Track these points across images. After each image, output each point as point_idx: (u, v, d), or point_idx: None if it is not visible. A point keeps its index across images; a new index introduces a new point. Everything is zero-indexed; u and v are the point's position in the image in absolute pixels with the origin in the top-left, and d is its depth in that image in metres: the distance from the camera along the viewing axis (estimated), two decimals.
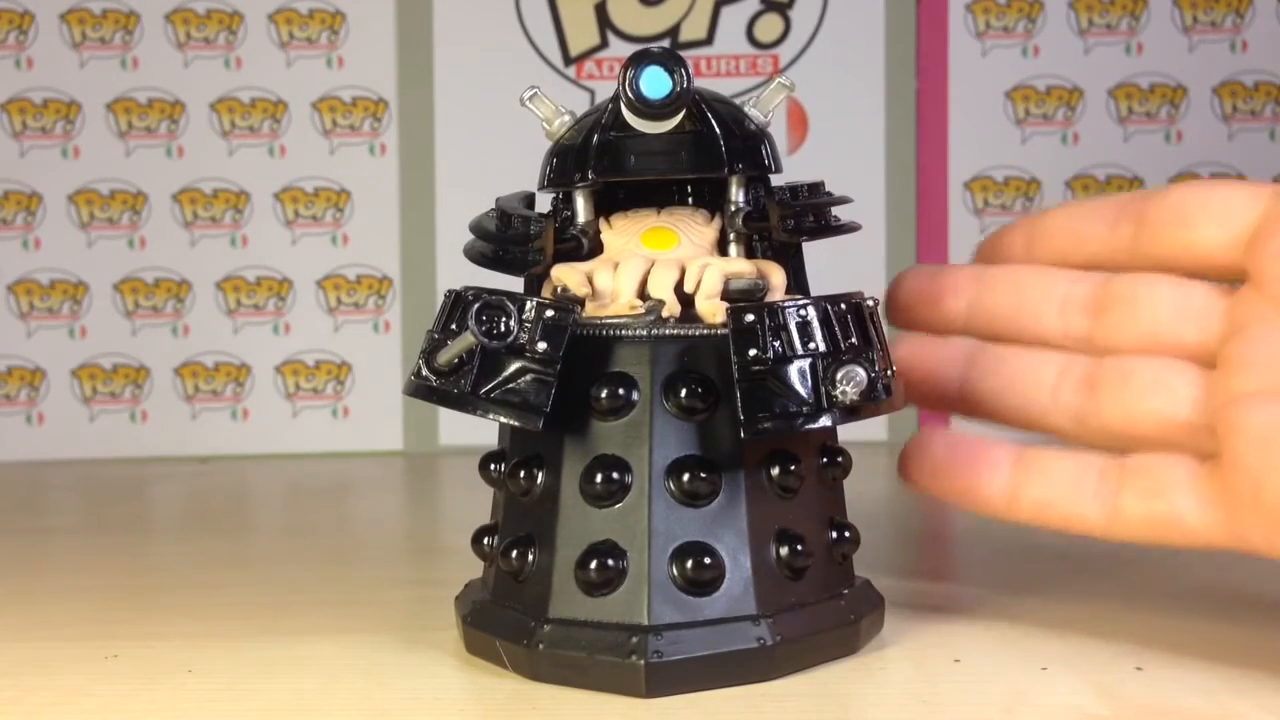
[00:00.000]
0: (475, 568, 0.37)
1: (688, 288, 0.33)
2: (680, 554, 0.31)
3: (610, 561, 0.31)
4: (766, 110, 0.35)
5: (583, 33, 0.75)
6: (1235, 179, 0.34)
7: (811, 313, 0.32)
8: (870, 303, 0.34)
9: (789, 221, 0.34)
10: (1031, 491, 0.34)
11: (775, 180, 0.36)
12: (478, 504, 0.38)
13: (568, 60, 0.75)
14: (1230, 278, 0.33)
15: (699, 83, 0.34)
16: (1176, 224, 0.34)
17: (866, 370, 0.31)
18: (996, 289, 0.37)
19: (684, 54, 0.34)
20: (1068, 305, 0.36)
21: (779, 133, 0.73)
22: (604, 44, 0.75)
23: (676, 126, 0.34)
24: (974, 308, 0.37)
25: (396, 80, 0.74)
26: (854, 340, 0.32)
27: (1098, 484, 0.33)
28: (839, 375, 0.31)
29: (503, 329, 0.31)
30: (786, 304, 0.32)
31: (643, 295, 0.33)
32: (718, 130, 0.34)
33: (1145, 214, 0.35)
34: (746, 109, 0.35)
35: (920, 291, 0.38)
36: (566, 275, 0.34)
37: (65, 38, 0.73)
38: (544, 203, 0.37)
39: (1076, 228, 0.36)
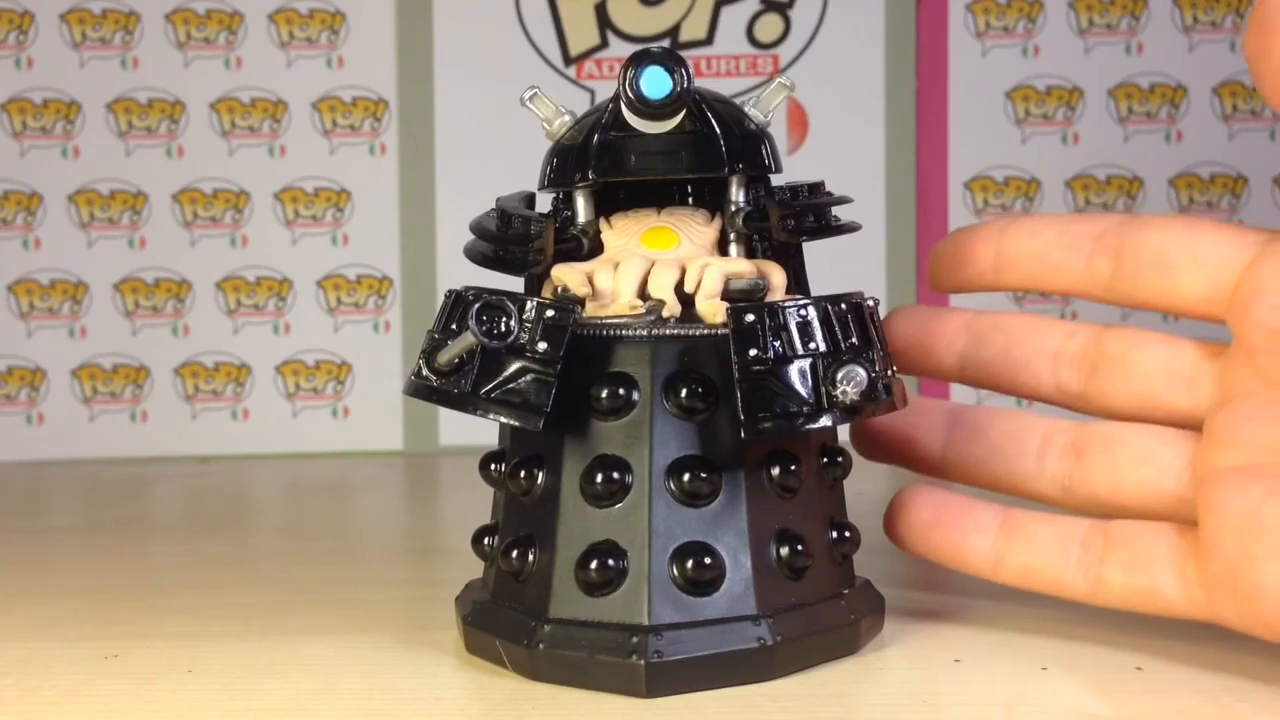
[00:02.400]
0: (475, 568, 0.37)
1: (688, 288, 0.33)
2: (680, 554, 0.31)
3: (610, 561, 0.31)
4: (766, 110, 0.35)
5: (583, 33, 0.75)
6: (1215, 223, 0.33)
7: (812, 313, 0.32)
8: (870, 303, 0.34)
9: (789, 221, 0.34)
10: (1016, 558, 0.34)
11: (775, 180, 0.36)
12: (478, 504, 0.38)
13: (568, 60, 0.75)
14: (1212, 321, 0.33)
15: (699, 83, 0.34)
16: (1157, 270, 0.33)
17: (867, 370, 0.31)
18: (989, 341, 0.37)
19: (684, 54, 0.34)
20: (1060, 362, 0.35)
21: (779, 133, 0.73)
22: (604, 44, 0.75)
23: (676, 126, 0.34)
24: (966, 359, 0.37)
25: (396, 80, 0.74)
26: (854, 340, 0.32)
27: (1081, 554, 0.33)
28: (839, 375, 0.31)
29: (503, 329, 0.31)
30: (787, 304, 0.32)
31: (643, 295, 0.33)
32: (718, 130, 0.34)
33: (1123, 253, 0.34)
34: (746, 109, 0.35)
35: (913, 339, 0.37)
36: (567, 275, 0.34)
37: (65, 38, 0.73)
38: (544, 203, 0.37)
39: (1049, 256, 0.35)
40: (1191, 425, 0.33)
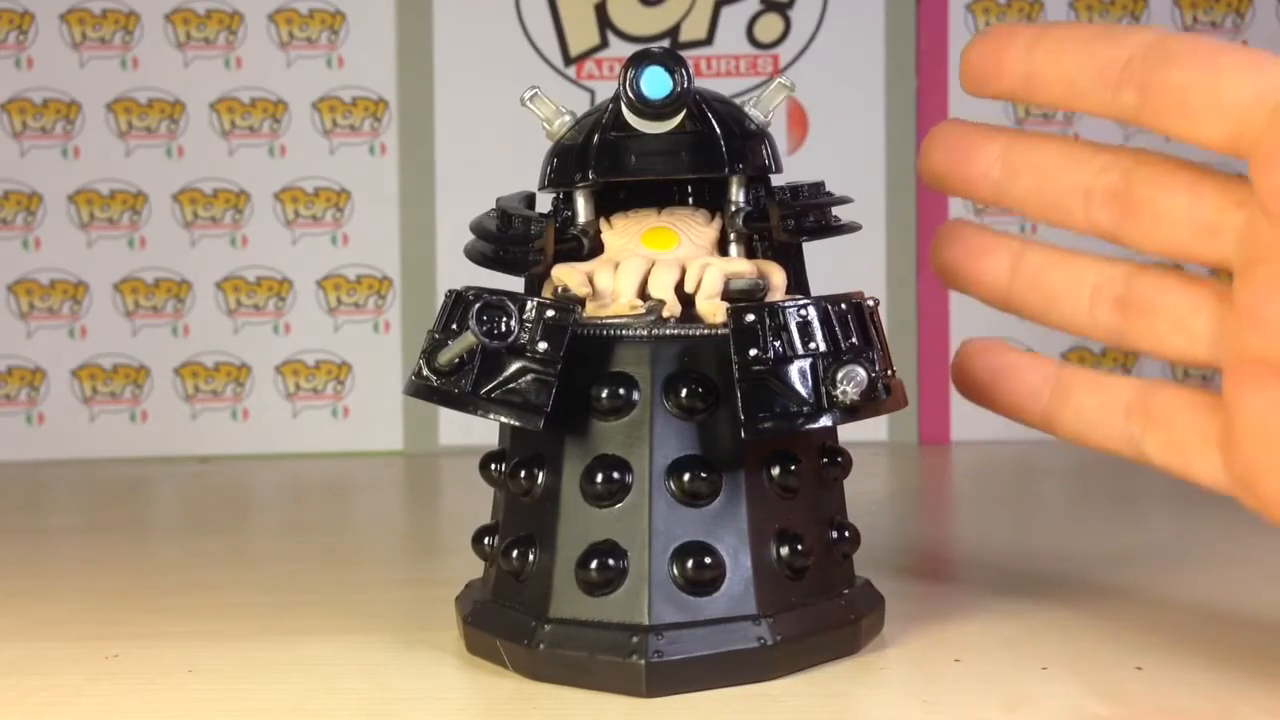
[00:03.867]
0: (475, 568, 0.37)
1: (688, 288, 0.33)
2: (681, 554, 0.31)
3: (611, 561, 0.31)
4: (766, 110, 0.35)
5: (583, 33, 0.75)
6: (1238, 57, 0.32)
7: (812, 313, 0.32)
8: (870, 302, 0.34)
9: (789, 221, 0.34)
10: (1065, 422, 0.35)
11: (775, 180, 0.36)
12: (478, 504, 0.38)
13: (568, 60, 0.75)
14: (1239, 158, 0.32)
15: (699, 83, 0.34)
16: (1178, 113, 0.33)
17: (867, 370, 0.31)
18: (1022, 177, 0.36)
19: (684, 54, 0.34)
20: (1092, 200, 0.35)
21: (779, 133, 0.73)
22: (604, 44, 0.75)
23: (677, 126, 0.34)
24: (1001, 190, 0.37)
25: (396, 80, 0.74)
26: (854, 340, 0.32)
27: (1123, 424, 0.34)
28: (839, 375, 0.31)
29: (503, 329, 0.31)
30: (787, 304, 0.32)
31: (643, 295, 0.33)
32: (718, 130, 0.34)
33: (1148, 89, 0.33)
34: (746, 109, 0.35)
35: (950, 164, 0.37)
36: (567, 275, 0.34)
37: (65, 38, 0.73)
38: (544, 203, 0.37)
39: (1076, 83, 0.35)
40: (1223, 269, 0.33)
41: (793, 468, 0.32)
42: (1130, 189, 0.34)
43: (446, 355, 0.32)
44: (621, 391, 0.32)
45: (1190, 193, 0.33)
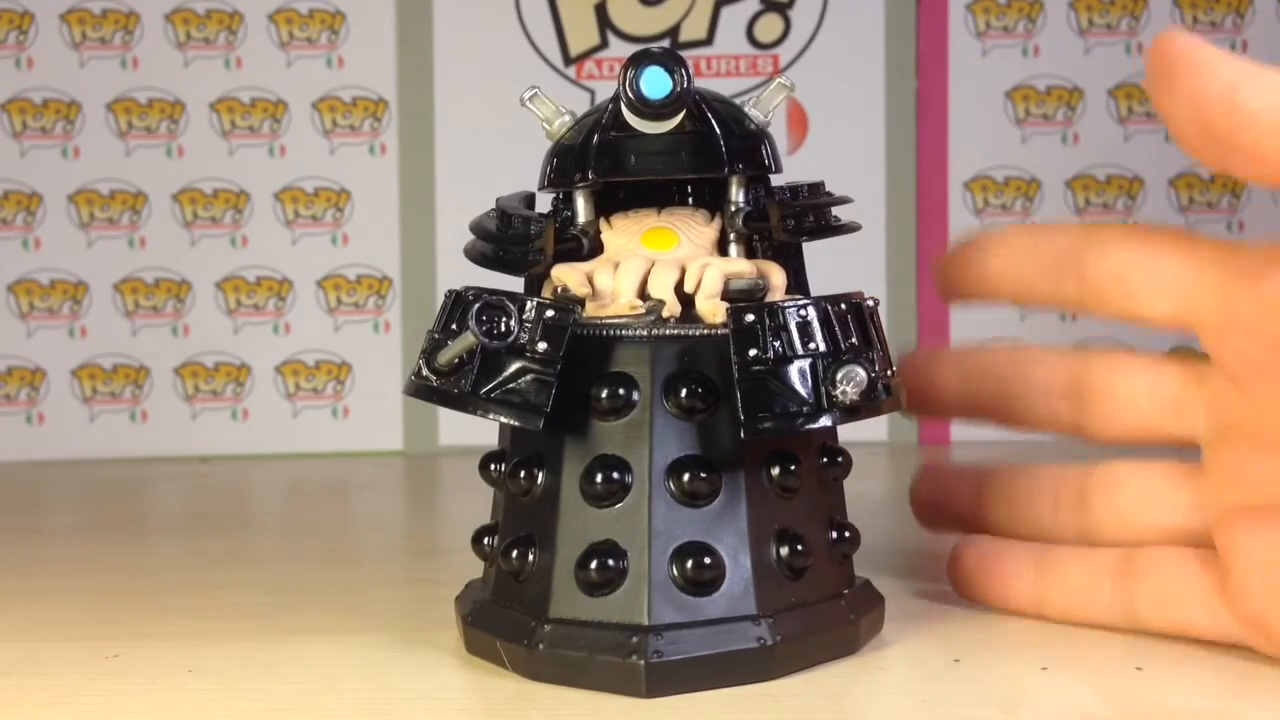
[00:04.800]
0: (475, 568, 0.37)
1: (688, 288, 0.33)
2: (680, 554, 0.31)
3: (610, 561, 0.31)
4: (766, 110, 0.35)
5: (583, 33, 0.75)
6: (1172, 238, 0.34)
7: (812, 313, 0.32)
8: (870, 303, 0.34)
9: (789, 221, 0.34)
10: (1054, 599, 0.35)
11: (775, 180, 0.36)
12: (478, 504, 0.38)
13: (568, 60, 0.75)
14: (1185, 332, 0.34)
15: (699, 83, 0.34)
16: (1122, 294, 0.34)
17: (866, 370, 0.31)
18: (981, 385, 0.38)
19: (684, 54, 0.34)
20: (1051, 396, 0.37)
21: (779, 133, 0.73)
22: (604, 44, 0.75)
23: (676, 126, 0.34)
24: (965, 401, 0.39)
25: (396, 80, 0.74)
26: (854, 340, 0.32)
27: (1112, 590, 0.34)
28: (839, 375, 0.31)
29: (503, 329, 0.31)
30: (786, 304, 0.32)
31: (643, 295, 0.33)
32: (718, 130, 0.34)
33: (1085, 278, 0.35)
34: (746, 109, 0.35)
35: (913, 385, 0.38)
36: (567, 275, 0.34)
37: (65, 38, 0.73)
38: (544, 203, 0.37)
39: (1025, 278, 0.37)
40: (1189, 445, 0.34)
41: (793, 468, 0.32)
42: (1087, 381, 0.36)
43: (446, 355, 0.32)
44: (621, 391, 0.32)
45: (1150, 374, 0.35)
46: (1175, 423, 0.34)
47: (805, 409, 0.31)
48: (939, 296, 0.40)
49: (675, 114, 0.33)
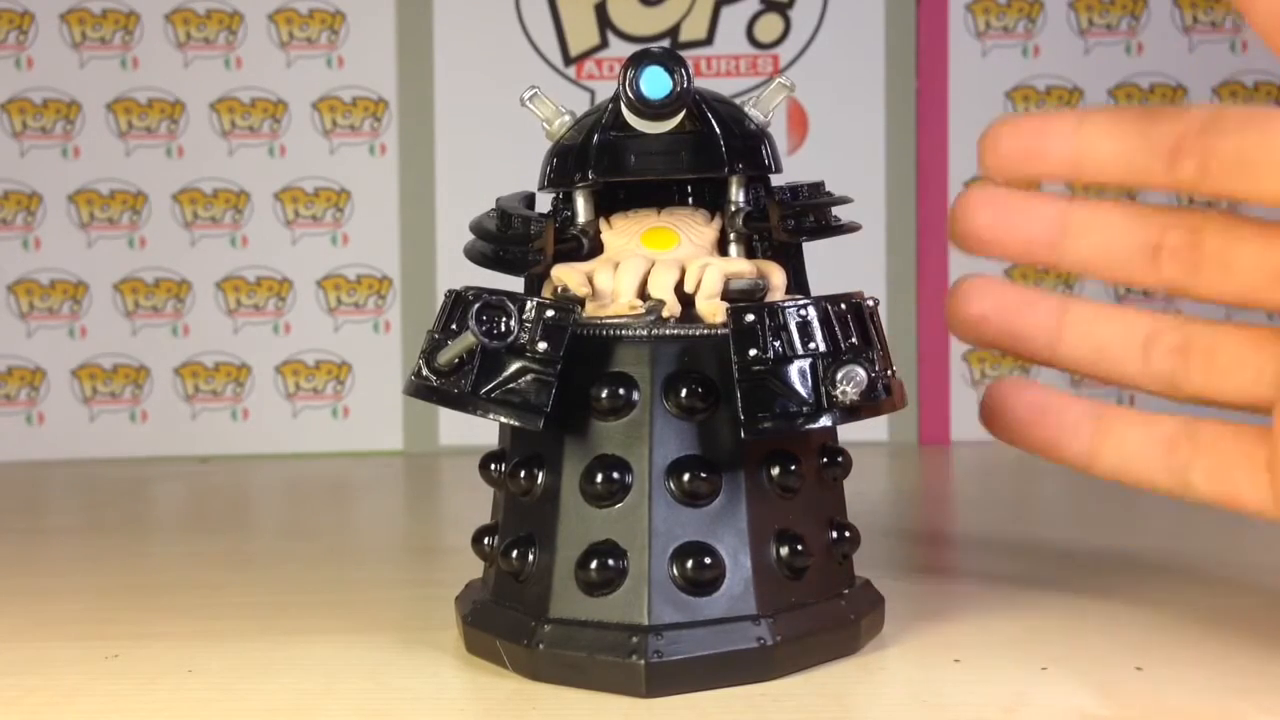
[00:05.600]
0: (475, 568, 0.37)
1: (688, 288, 0.33)
2: (680, 554, 0.31)
3: (610, 561, 0.31)
4: (766, 110, 0.35)
5: (583, 33, 0.75)
6: None
7: (811, 312, 0.32)
8: (870, 303, 0.34)
9: (789, 221, 0.34)
10: (1108, 457, 0.35)
11: (775, 180, 0.36)
12: (478, 504, 0.38)
13: (568, 60, 0.75)
14: None
15: (699, 83, 0.34)
16: (1240, 175, 0.33)
17: (866, 370, 0.31)
18: (1085, 236, 0.36)
19: (684, 54, 0.34)
20: (1159, 256, 0.35)
21: (779, 133, 0.73)
22: (604, 44, 0.75)
23: (676, 126, 0.34)
24: (1061, 252, 0.36)
25: (396, 80, 0.74)
26: (854, 340, 0.32)
27: (1168, 458, 0.34)
28: (839, 375, 0.31)
29: (503, 329, 0.31)
30: (786, 304, 0.32)
31: (643, 295, 0.33)
32: (718, 130, 0.34)
33: (1206, 160, 0.33)
34: (746, 109, 0.35)
35: (1000, 231, 0.36)
36: (567, 275, 0.34)
37: (65, 38, 0.73)
38: (544, 203, 0.37)
39: (1133, 160, 0.34)
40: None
41: (793, 468, 0.32)
42: (1200, 242, 0.34)
43: (446, 355, 0.32)
44: (621, 391, 0.32)
45: (1261, 240, 0.34)
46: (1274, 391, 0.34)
47: (805, 409, 0.31)
48: (989, 170, 0.35)
49: (675, 114, 0.33)
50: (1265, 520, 0.33)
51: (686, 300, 0.33)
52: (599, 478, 0.31)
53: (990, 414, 0.37)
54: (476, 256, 0.36)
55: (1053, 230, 0.36)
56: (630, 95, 0.33)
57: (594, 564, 0.31)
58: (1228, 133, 0.33)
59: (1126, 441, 0.35)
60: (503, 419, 0.32)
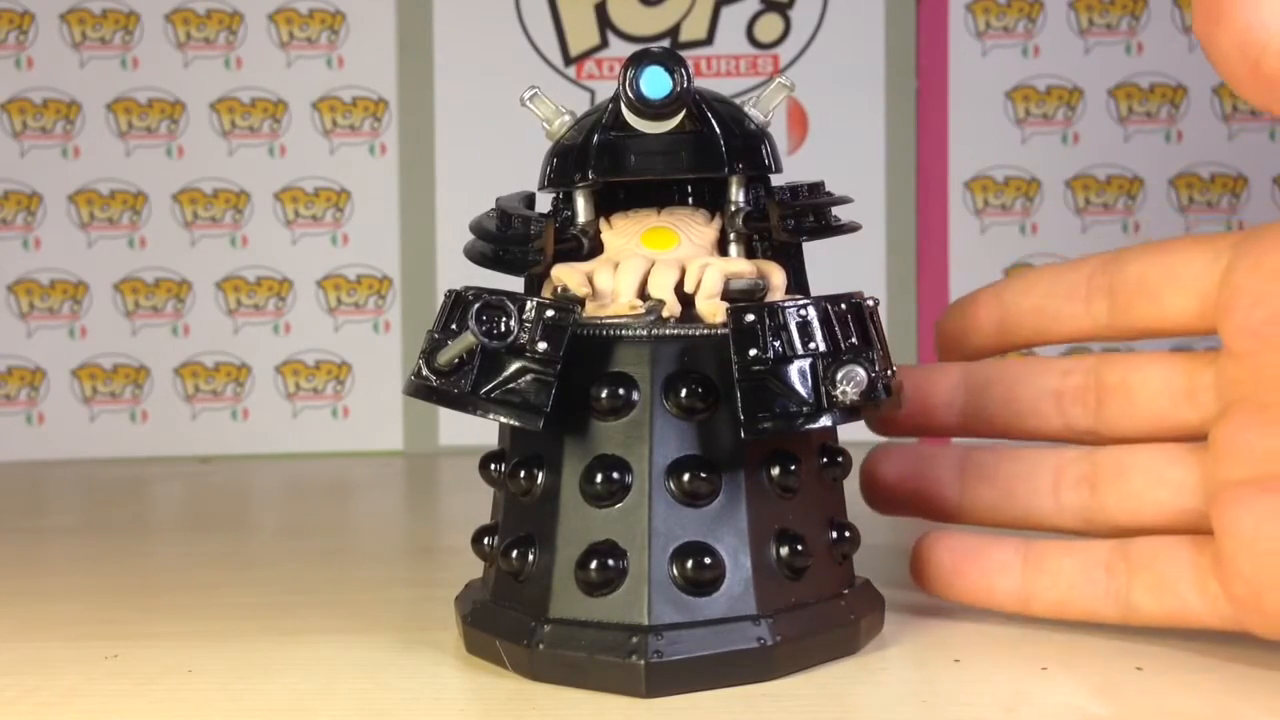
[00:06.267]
0: (475, 568, 0.37)
1: (688, 288, 0.33)
2: (680, 554, 0.31)
3: (610, 561, 0.31)
4: (766, 110, 0.35)
5: (583, 33, 0.75)
6: (1189, 240, 0.34)
7: (811, 312, 0.32)
8: (870, 303, 0.34)
9: (789, 221, 0.34)
10: (1044, 594, 0.35)
11: (775, 180, 0.36)
12: (478, 504, 0.38)
13: (568, 60, 0.75)
14: (1209, 334, 0.33)
15: (699, 83, 0.34)
16: (1144, 298, 0.34)
17: (866, 370, 0.31)
18: (989, 393, 0.37)
19: (684, 54, 0.34)
20: (1064, 400, 0.36)
21: (779, 133, 0.73)
22: (604, 44, 0.75)
23: (676, 126, 0.34)
24: (968, 413, 0.38)
25: (396, 80, 0.74)
26: (854, 340, 0.32)
27: (1107, 581, 0.34)
28: (839, 375, 0.31)
29: (503, 329, 0.31)
30: (786, 304, 0.32)
31: (643, 295, 0.33)
32: (718, 130, 0.34)
33: (1113, 290, 0.35)
34: (746, 109, 0.35)
35: (910, 402, 0.37)
36: (566, 275, 0.34)
37: (65, 38, 0.73)
38: (544, 203, 0.37)
39: (1049, 309, 0.36)
40: (1203, 437, 0.33)
41: (792, 468, 0.32)
42: (1100, 379, 0.35)
43: (446, 355, 0.32)
44: (621, 391, 0.32)
45: (1161, 365, 0.34)
46: (1190, 410, 0.34)
47: (805, 409, 0.31)
48: (942, 354, 0.40)
49: (675, 114, 0.33)
50: (1214, 631, 0.32)
51: (686, 300, 0.33)
52: (599, 478, 0.31)
53: (916, 569, 0.37)
54: (476, 256, 0.36)
55: (956, 393, 0.38)
56: (630, 95, 0.33)
57: (594, 564, 0.31)
58: (1128, 262, 0.34)
59: (1061, 573, 0.34)
60: (502, 419, 0.32)
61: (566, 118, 0.36)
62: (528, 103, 0.36)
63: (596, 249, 0.35)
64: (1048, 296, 0.36)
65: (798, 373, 0.31)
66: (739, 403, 0.31)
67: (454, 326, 0.33)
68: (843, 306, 0.32)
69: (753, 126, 0.35)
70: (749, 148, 0.34)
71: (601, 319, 0.33)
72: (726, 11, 0.74)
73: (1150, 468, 0.34)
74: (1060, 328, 0.36)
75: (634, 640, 0.30)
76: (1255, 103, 0.31)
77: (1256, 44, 0.30)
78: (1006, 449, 0.37)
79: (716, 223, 0.35)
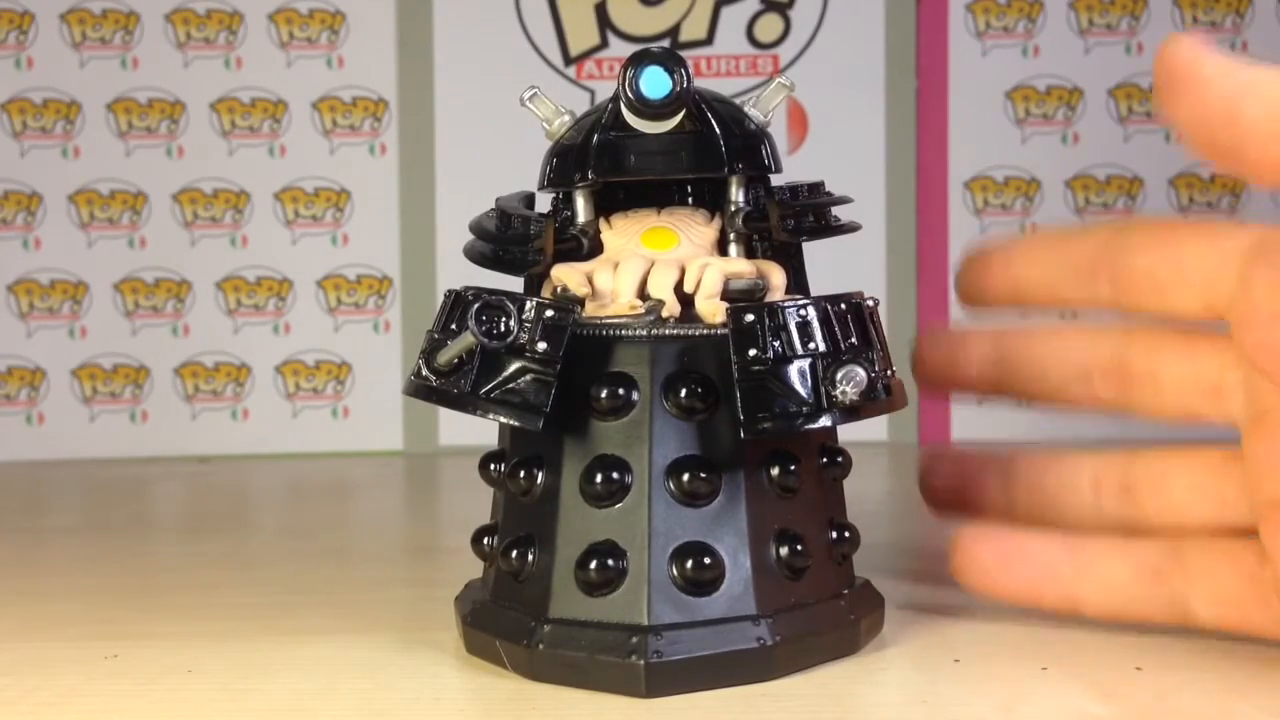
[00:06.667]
0: (475, 568, 0.37)
1: (688, 288, 0.33)
2: (680, 554, 0.31)
3: (610, 561, 0.31)
4: (766, 110, 0.35)
5: (583, 33, 0.75)
6: (1195, 231, 0.34)
7: (811, 313, 0.32)
8: (870, 303, 0.34)
9: (789, 221, 0.34)
10: (1094, 599, 0.34)
11: (775, 180, 0.36)
12: (478, 504, 0.38)
13: (568, 60, 0.75)
14: (1217, 321, 0.33)
15: (699, 83, 0.34)
16: (1152, 292, 0.34)
17: (866, 370, 0.31)
18: (1018, 365, 0.37)
19: (684, 54, 0.34)
20: (1092, 377, 0.36)
21: (779, 133, 0.73)
22: (604, 44, 0.75)
23: (676, 126, 0.34)
24: (998, 381, 0.38)
25: (396, 80, 0.74)
26: (854, 340, 0.32)
27: (1159, 586, 0.33)
28: (839, 375, 0.31)
29: (503, 329, 0.31)
30: (786, 304, 0.32)
31: (643, 295, 0.33)
32: (718, 130, 0.34)
33: (1119, 279, 0.35)
34: (746, 109, 0.35)
35: (941, 365, 0.38)
36: (566, 275, 0.34)
37: (65, 38, 0.73)
38: (544, 203, 0.37)
39: (1057, 287, 0.36)
40: (1229, 427, 0.33)
41: (792, 468, 0.32)
42: (1126, 362, 0.35)
43: (446, 355, 0.32)
44: (621, 391, 0.32)
45: (1185, 355, 0.34)
46: (1216, 405, 0.33)
47: (805, 409, 0.31)
48: (960, 301, 0.39)
49: (675, 114, 0.33)
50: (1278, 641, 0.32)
51: (686, 300, 0.33)
52: (599, 478, 0.31)
53: (959, 566, 0.36)
54: (476, 256, 0.36)
55: (986, 364, 0.38)
56: (630, 95, 0.33)
57: (594, 564, 0.31)
58: (1136, 252, 0.34)
59: (1111, 578, 0.34)
60: (502, 419, 0.32)
61: (566, 118, 0.36)
62: (527, 103, 0.36)
63: (596, 249, 0.35)
64: (1055, 275, 0.36)
65: (797, 373, 0.31)
66: (739, 403, 0.31)
67: (454, 326, 0.33)
68: (843, 306, 0.32)
69: (753, 126, 0.35)
70: (749, 148, 0.34)
71: (601, 319, 0.33)
72: (726, 11, 0.74)
73: (1189, 481, 0.34)
74: (1064, 298, 0.36)
75: (634, 640, 0.30)
76: (1227, 171, 0.33)
77: (1211, 122, 0.31)
78: (1045, 456, 0.37)
79: (716, 223, 0.35)
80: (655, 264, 0.34)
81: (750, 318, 0.31)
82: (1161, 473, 0.34)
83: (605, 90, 0.73)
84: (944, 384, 0.39)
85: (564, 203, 0.36)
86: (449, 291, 0.34)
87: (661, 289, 0.33)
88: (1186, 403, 0.34)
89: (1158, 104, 0.33)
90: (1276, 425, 0.31)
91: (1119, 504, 0.35)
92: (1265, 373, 0.31)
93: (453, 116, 0.74)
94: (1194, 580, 0.33)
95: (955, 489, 0.39)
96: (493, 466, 0.35)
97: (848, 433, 0.34)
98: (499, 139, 0.73)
